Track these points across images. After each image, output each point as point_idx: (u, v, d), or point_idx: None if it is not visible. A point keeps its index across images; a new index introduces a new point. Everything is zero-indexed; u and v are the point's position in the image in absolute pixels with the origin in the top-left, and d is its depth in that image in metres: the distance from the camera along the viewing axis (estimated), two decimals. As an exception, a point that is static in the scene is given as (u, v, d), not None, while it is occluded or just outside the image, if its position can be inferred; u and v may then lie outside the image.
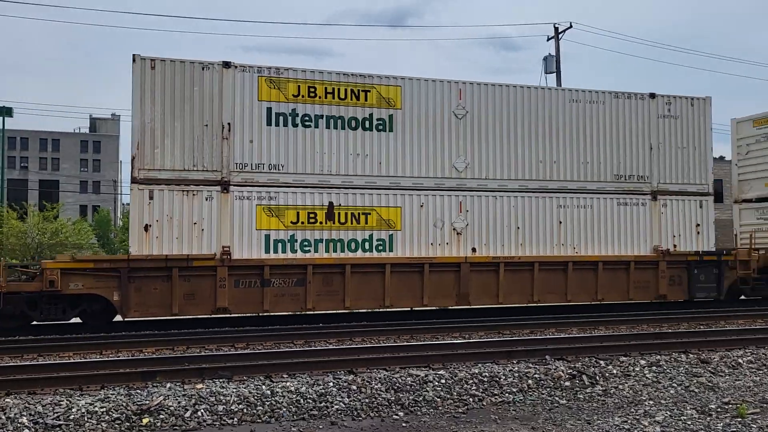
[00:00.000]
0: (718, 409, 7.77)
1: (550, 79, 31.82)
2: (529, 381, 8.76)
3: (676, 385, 8.93)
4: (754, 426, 7.12)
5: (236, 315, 14.27)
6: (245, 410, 7.49)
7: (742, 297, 17.69)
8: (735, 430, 7.01)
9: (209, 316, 14.28)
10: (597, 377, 9.04)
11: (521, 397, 8.34)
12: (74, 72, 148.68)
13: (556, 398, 8.37)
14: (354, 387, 8.17)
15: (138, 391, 7.88)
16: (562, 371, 9.09)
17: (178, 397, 7.62)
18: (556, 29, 32.54)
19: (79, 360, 9.86)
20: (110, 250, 46.94)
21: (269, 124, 13.70)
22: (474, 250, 14.72)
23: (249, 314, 14.11)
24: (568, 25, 32.40)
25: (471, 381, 8.60)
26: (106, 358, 10.01)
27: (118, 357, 10.28)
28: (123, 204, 79.65)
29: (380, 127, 14.31)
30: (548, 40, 32.89)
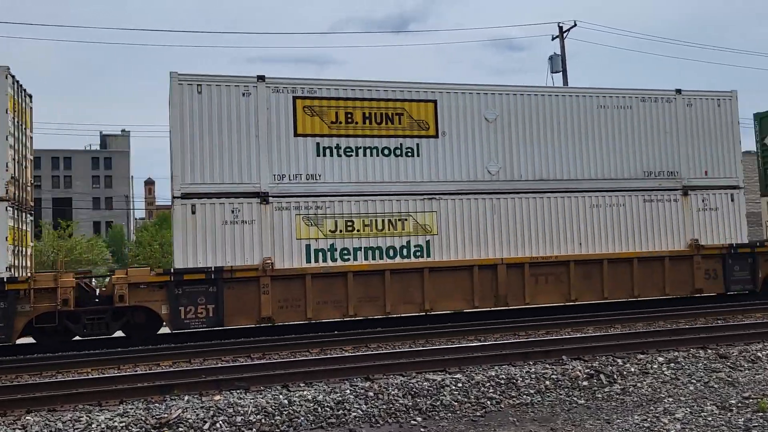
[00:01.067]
0: (739, 404, 7.70)
1: (556, 78, 31.75)
2: (547, 382, 8.72)
3: (695, 381, 8.86)
4: (776, 420, 7.04)
5: (251, 326, 14.35)
6: (263, 420, 7.51)
7: None
8: (757, 424, 6.94)
9: (235, 328, 14.43)
10: (615, 376, 8.98)
11: (539, 399, 8.31)
12: (81, 89, 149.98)
13: (575, 398, 8.32)
14: (371, 393, 8.17)
15: (156, 404, 7.93)
16: (580, 371, 9.04)
17: (197, 409, 7.66)
18: (561, 28, 32.45)
19: (98, 376, 9.93)
20: (124, 265, 47.30)
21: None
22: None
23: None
24: (573, 24, 32.33)
25: (488, 384, 8.58)
26: (124, 373, 10.07)
27: (136, 371, 10.34)
28: (135, 219, 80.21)
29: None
30: (553, 39, 32.81)
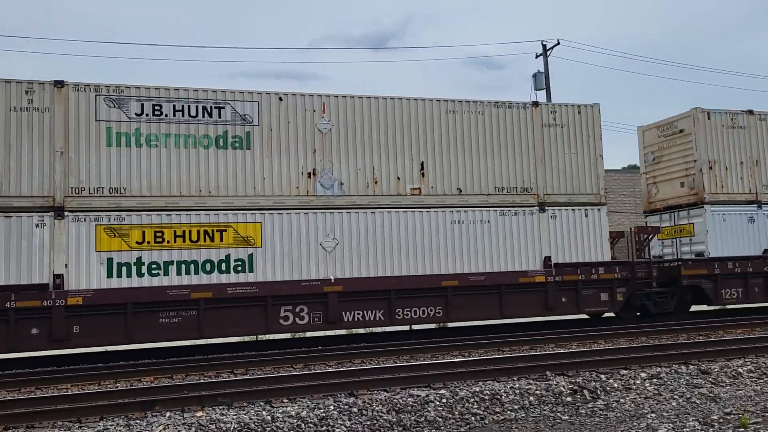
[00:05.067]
0: (720, 420, 7.75)
1: (540, 96, 32.08)
2: (531, 398, 8.73)
3: (677, 396, 8.91)
4: (757, 436, 7.10)
5: (232, 341, 14.24)
6: (246, 437, 7.43)
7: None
8: (738, 440, 6.99)
9: (219, 342, 14.29)
10: (598, 391, 9.01)
11: (523, 414, 8.31)
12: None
13: (558, 414, 8.34)
14: (355, 409, 8.13)
15: (137, 421, 7.82)
16: (563, 386, 9.07)
17: (178, 425, 7.57)
18: (544, 46, 32.87)
19: (78, 392, 9.78)
20: None
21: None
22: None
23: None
24: (556, 42, 32.75)
25: (472, 399, 8.57)
26: (105, 389, 9.94)
27: (117, 387, 10.21)
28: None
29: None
30: (537, 57, 33.23)
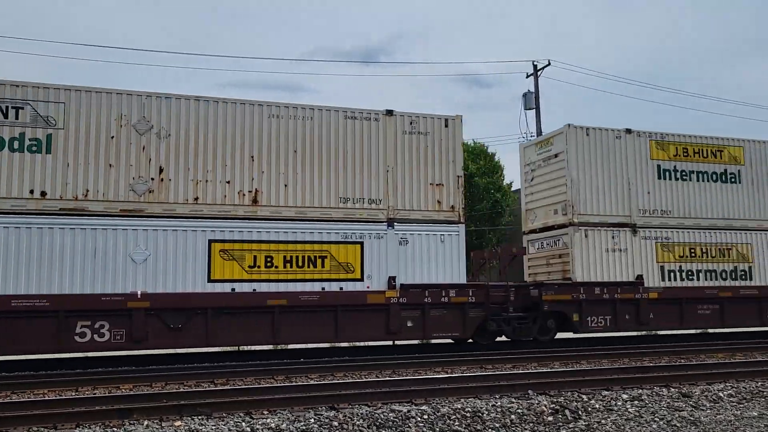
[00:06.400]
0: (701, 444, 7.76)
1: (529, 115, 32.35)
2: (512, 416, 8.70)
3: (658, 419, 8.92)
4: (736, 460, 7.11)
5: (214, 350, 14.10)
6: (224, 448, 7.34)
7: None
8: (717, 464, 6.99)
9: (200, 352, 14.13)
10: (580, 412, 9.00)
11: (504, 433, 8.27)
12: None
13: (539, 433, 8.31)
14: (336, 423, 8.06)
15: (114, 429, 7.70)
16: (545, 406, 9.05)
17: (156, 435, 7.46)
18: (535, 66, 33.19)
19: (54, 397, 9.63)
20: None
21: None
22: None
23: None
24: (547, 63, 33.07)
25: (454, 416, 8.53)
26: (82, 396, 9.79)
27: (95, 394, 10.06)
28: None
29: None
30: (527, 77, 33.53)
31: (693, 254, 17.42)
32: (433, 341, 16.29)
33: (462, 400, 9.26)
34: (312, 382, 10.83)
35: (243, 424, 7.91)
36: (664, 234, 17.17)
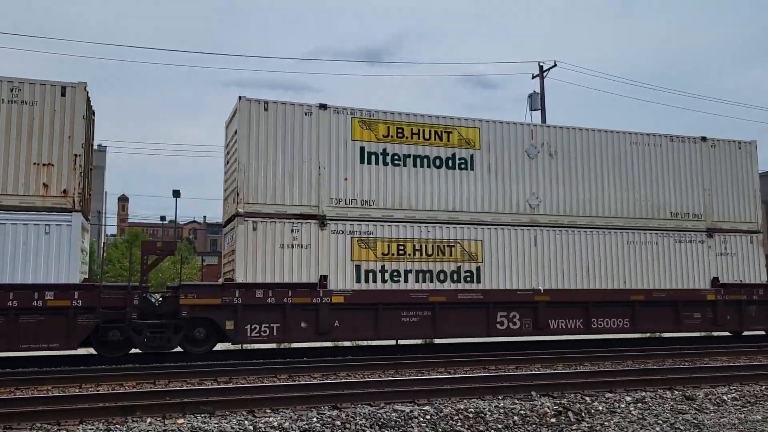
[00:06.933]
0: (704, 447, 7.73)
1: (535, 116, 32.30)
2: (515, 417, 8.68)
3: (661, 422, 8.89)
4: (740, 464, 7.08)
5: (221, 348, 14.09)
6: (227, 446, 7.35)
7: None
8: (720, 468, 6.96)
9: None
10: (583, 414, 8.98)
11: (507, 434, 8.25)
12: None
13: (542, 435, 8.29)
14: (338, 422, 8.06)
15: (117, 426, 7.72)
16: (548, 407, 9.03)
17: (159, 432, 7.47)
18: (541, 67, 33.11)
19: (58, 394, 9.66)
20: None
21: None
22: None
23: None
24: (553, 64, 33.00)
25: (456, 417, 8.52)
26: (86, 392, 9.82)
27: (98, 391, 10.09)
28: (107, 235, 78.96)
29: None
30: (533, 78, 33.45)
31: (402, 252, 14.92)
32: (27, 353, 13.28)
33: (465, 400, 9.25)
34: (315, 381, 10.84)
35: (245, 422, 7.92)
36: (364, 228, 14.71)
